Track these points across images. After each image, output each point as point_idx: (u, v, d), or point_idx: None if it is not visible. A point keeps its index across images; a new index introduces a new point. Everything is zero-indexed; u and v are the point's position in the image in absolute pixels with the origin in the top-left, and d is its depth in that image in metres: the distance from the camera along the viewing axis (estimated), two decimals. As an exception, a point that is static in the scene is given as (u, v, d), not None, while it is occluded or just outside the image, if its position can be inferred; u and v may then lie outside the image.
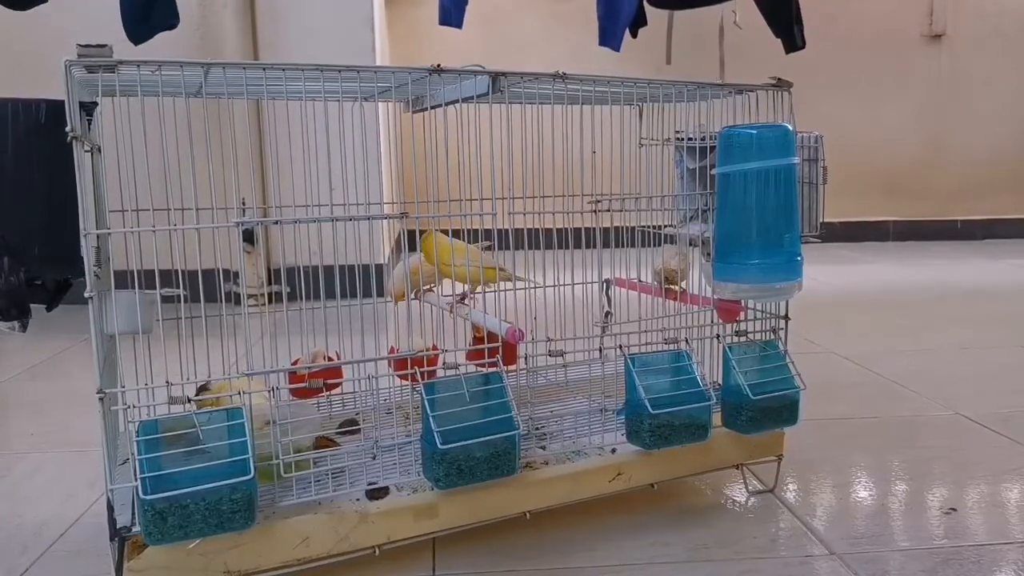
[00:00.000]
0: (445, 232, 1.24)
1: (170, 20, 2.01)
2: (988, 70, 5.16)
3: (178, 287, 1.01)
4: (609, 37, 2.24)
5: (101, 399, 0.93)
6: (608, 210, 1.24)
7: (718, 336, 1.31)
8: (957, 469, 1.46)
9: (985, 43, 5.13)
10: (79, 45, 0.90)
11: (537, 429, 1.26)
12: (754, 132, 1.19)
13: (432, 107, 1.28)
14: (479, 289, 1.32)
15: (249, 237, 2.86)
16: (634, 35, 2.42)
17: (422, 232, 1.31)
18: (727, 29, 3.04)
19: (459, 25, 2.16)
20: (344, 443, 1.20)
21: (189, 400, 0.98)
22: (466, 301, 1.31)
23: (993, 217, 5.27)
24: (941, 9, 5.07)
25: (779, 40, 2.37)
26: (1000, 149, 5.24)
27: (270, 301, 2.85)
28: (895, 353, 2.31)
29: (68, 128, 0.90)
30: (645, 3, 2.35)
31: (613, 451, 1.21)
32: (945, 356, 2.31)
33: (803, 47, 2.34)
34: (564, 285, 1.34)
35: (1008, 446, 1.57)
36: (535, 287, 1.25)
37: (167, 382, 1.00)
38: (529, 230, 1.21)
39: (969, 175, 5.24)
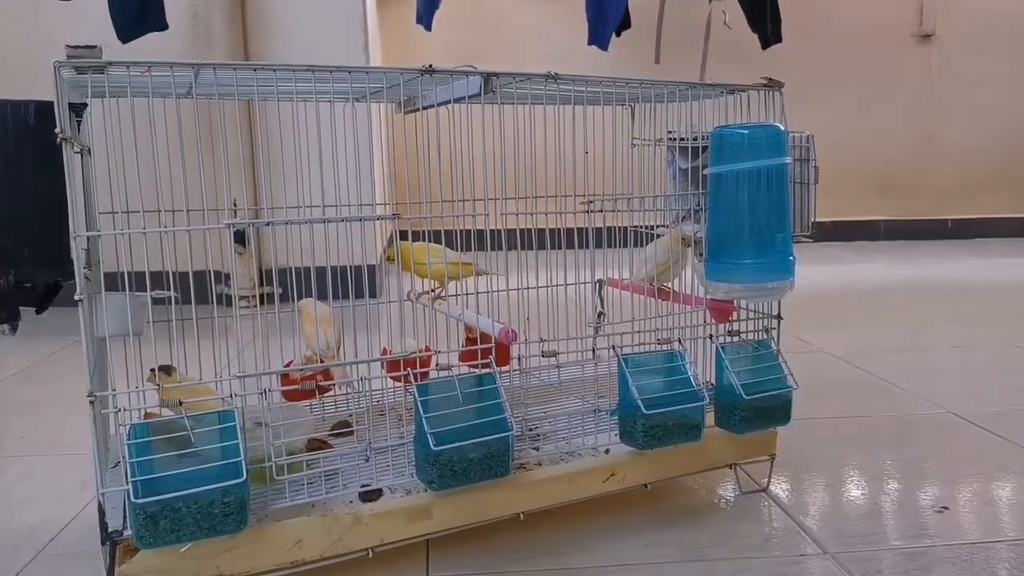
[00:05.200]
0: (437, 232, 1.24)
1: (160, 23, 2.01)
2: (978, 69, 5.18)
3: (169, 289, 1.00)
4: (598, 37, 2.27)
5: (92, 402, 0.93)
6: (600, 210, 1.24)
7: (711, 336, 1.31)
8: (949, 467, 1.47)
9: (975, 42, 5.16)
10: (68, 46, 0.90)
11: (531, 430, 1.26)
12: (746, 132, 1.19)
13: (424, 108, 1.27)
14: (452, 286, 1.32)
15: (240, 239, 2.85)
16: (618, 35, 2.46)
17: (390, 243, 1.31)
18: (718, 29, 3.04)
19: (428, 27, 2.19)
20: (337, 445, 1.19)
21: (180, 403, 0.97)
22: (439, 295, 1.31)
23: (984, 216, 5.30)
24: (931, 9, 5.09)
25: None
26: (991, 148, 5.26)
27: (262, 303, 2.84)
28: (887, 352, 2.31)
29: (57, 129, 0.89)
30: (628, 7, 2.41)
31: (607, 452, 1.21)
32: (937, 355, 2.32)
33: (778, 42, 2.37)
34: (557, 286, 1.33)
35: (1000, 444, 1.58)
36: (506, 285, 1.25)
37: (158, 384, 1.00)
38: (521, 230, 1.21)
39: (960, 174, 5.27)
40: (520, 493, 1.13)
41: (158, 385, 1.01)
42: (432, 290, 1.33)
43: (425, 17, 2.20)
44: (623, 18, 2.39)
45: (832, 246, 4.85)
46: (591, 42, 2.31)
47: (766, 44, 2.40)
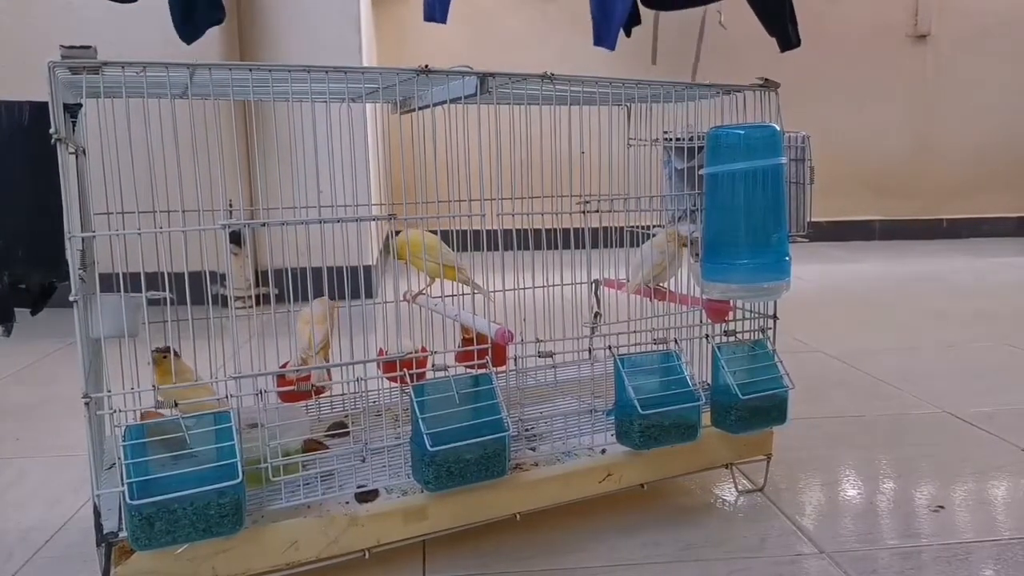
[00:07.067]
0: (433, 231, 1.24)
1: (216, 15, 2.00)
2: (973, 70, 5.20)
3: (164, 290, 1.00)
4: (604, 37, 2.23)
5: (87, 403, 0.93)
6: (597, 211, 1.24)
7: (707, 336, 1.31)
8: (944, 466, 1.47)
9: (970, 43, 5.17)
10: (63, 46, 0.89)
11: (527, 430, 1.26)
12: (742, 132, 1.19)
13: (420, 108, 1.27)
14: (448, 287, 1.32)
15: (236, 239, 2.85)
16: (628, 34, 2.41)
17: (398, 232, 1.31)
18: (713, 30, 3.04)
19: (443, 20, 2.15)
20: (333, 446, 1.19)
21: (176, 404, 0.97)
22: (422, 292, 1.32)
23: (979, 216, 5.31)
24: (926, 9, 5.10)
25: (767, 40, 2.38)
26: (986, 148, 5.28)
27: (258, 303, 2.84)
28: (882, 351, 2.32)
29: (52, 130, 0.89)
30: (637, 2, 2.34)
31: (603, 452, 1.21)
32: (932, 354, 2.32)
33: (798, 45, 2.34)
34: (553, 286, 1.33)
35: (994, 443, 1.58)
36: (488, 293, 1.26)
37: (153, 386, 1.00)
38: (518, 231, 1.21)
39: (955, 174, 5.28)
40: (516, 493, 1.13)
41: (154, 386, 1.00)
42: (422, 291, 1.34)
43: (439, 10, 2.15)
44: (632, 14, 2.32)
45: (828, 246, 4.86)
46: (597, 43, 2.26)
47: (786, 47, 2.35)
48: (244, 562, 0.98)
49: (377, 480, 1.08)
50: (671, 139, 1.33)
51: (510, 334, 1.13)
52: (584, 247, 1.25)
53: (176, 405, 0.98)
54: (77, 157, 1.06)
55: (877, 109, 5.18)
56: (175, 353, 1.05)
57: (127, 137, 0.93)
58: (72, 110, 1.02)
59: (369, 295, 1.31)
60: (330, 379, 1.23)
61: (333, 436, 1.24)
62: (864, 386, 1.98)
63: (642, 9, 2.42)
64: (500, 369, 1.23)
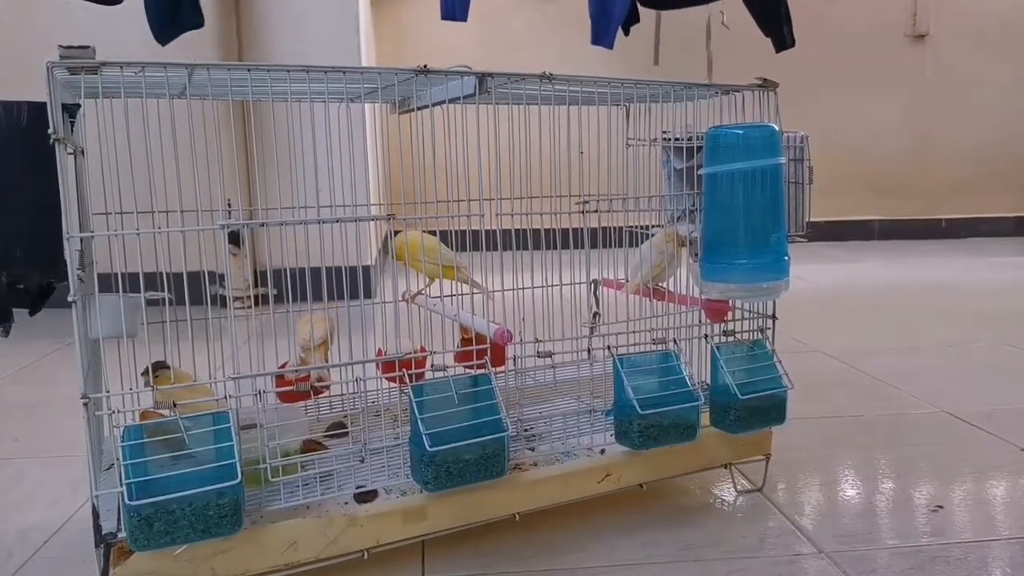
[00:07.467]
0: (432, 232, 1.24)
1: (196, 20, 1.99)
2: (972, 69, 5.20)
3: (163, 290, 1.00)
4: (602, 36, 2.22)
5: (85, 404, 0.92)
6: (596, 211, 1.24)
7: (706, 336, 1.31)
8: (943, 466, 1.47)
9: (968, 43, 5.17)
10: (61, 46, 0.89)
11: (526, 431, 1.26)
12: (740, 132, 1.19)
13: (419, 108, 1.27)
14: (447, 287, 1.32)
15: (235, 239, 2.85)
16: (627, 33, 2.40)
17: (397, 233, 1.31)
18: (717, 30, 3.04)
19: (464, 18, 2.13)
20: (332, 446, 1.19)
21: (175, 404, 0.97)
22: (421, 292, 1.32)
23: (978, 215, 5.31)
24: (924, 9, 5.11)
25: (766, 40, 2.38)
26: (984, 148, 5.28)
27: (256, 304, 2.83)
28: (881, 351, 2.32)
29: (50, 130, 0.89)
30: (636, 1, 2.34)
31: (602, 452, 1.21)
32: (930, 354, 2.32)
33: (793, 45, 2.34)
34: (552, 286, 1.33)
35: (993, 443, 1.58)
36: (488, 293, 1.26)
37: (152, 387, 0.99)
38: (517, 231, 1.21)
39: (953, 174, 5.28)
40: (516, 494, 1.13)
41: (153, 387, 1.00)
42: (421, 291, 1.34)
43: (459, 7, 2.13)
44: (630, 12, 2.31)
45: (826, 246, 4.86)
46: (595, 41, 2.24)
47: (781, 47, 2.35)
48: (243, 563, 0.97)
49: (376, 480, 1.08)
50: (670, 139, 1.33)
51: (509, 334, 1.13)
52: (583, 247, 1.25)
53: (175, 406, 0.98)
54: (76, 157, 1.06)
55: (876, 109, 5.19)
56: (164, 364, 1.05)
57: (126, 137, 0.93)
58: (71, 110, 1.02)
59: (368, 295, 1.30)
60: (329, 379, 1.23)
61: (332, 436, 1.24)
62: (863, 386, 1.98)
63: (642, 9, 2.42)
64: (499, 369, 1.23)
